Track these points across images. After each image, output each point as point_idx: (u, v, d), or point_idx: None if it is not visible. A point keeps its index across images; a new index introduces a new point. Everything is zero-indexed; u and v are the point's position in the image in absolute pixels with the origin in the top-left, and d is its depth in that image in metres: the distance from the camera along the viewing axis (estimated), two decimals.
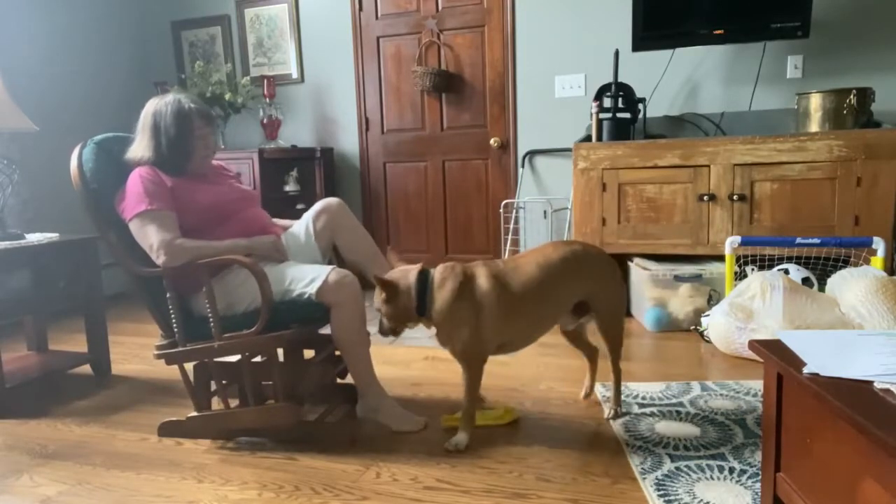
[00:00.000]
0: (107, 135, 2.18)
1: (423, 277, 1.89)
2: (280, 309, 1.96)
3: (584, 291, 1.99)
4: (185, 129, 2.05)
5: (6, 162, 2.78)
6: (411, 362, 2.80)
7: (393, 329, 1.96)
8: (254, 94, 4.24)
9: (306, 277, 1.99)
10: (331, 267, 2.01)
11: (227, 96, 4.14)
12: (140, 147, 2.08)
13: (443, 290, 1.87)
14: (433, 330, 1.94)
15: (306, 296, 1.97)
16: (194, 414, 2.10)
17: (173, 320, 1.99)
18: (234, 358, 2.02)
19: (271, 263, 2.06)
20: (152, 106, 2.09)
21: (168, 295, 1.97)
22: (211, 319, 1.95)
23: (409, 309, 1.90)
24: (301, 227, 2.23)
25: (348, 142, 4.38)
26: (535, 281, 1.89)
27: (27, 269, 2.61)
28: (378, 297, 1.91)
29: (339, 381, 2.36)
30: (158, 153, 2.06)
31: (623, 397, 2.29)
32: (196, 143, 2.09)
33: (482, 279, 1.87)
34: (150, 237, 1.94)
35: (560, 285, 1.92)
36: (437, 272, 1.90)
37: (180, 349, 2.01)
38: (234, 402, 2.18)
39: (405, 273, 1.92)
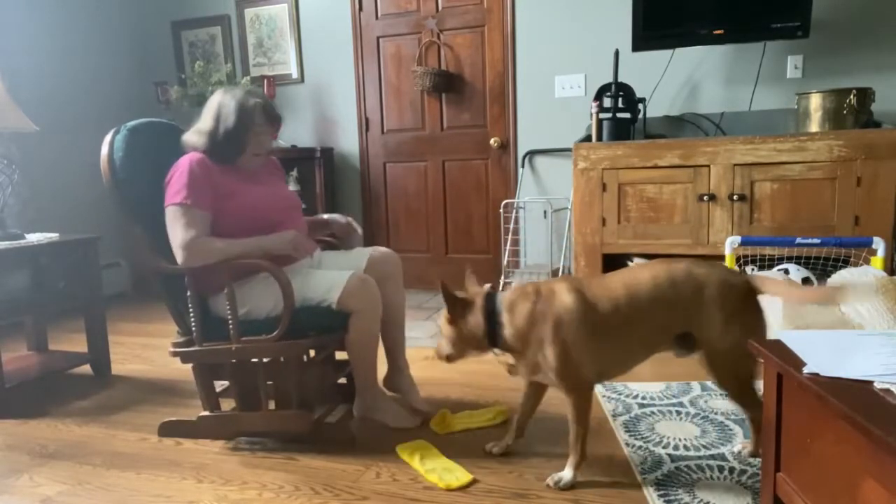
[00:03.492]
0: (140, 120, 2.16)
1: (491, 300, 1.70)
2: (299, 315, 1.94)
3: (684, 321, 1.63)
4: (245, 122, 2.04)
5: (6, 162, 2.78)
6: (411, 362, 2.78)
7: (451, 356, 1.78)
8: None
9: (327, 285, 1.97)
10: (350, 272, 1.99)
11: None
12: (198, 131, 2.07)
13: (514, 313, 1.67)
14: (519, 363, 1.74)
15: (326, 303, 1.96)
16: (206, 414, 2.10)
17: (192, 319, 1.99)
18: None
19: (294, 268, 2.04)
20: (219, 94, 2.10)
21: (188, 293, 1.96)
22: (230, 321, 1.94)
23: (475, 335, 1.71)
24: (352, 259, 2.21)
25: (348, 142, 4.38)
26: (624, 300, 1.63)
27: (27, 269, 2.62)
28: (443, 316, 1.75)
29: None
30: (213, 140, 2.04)
31: (623, 397, 2.29)
32: (251, 140, 2.07)
33: (563, 295, 1.64)
34: (177, 232, 1.93)
35: (650, 311, 1.63)
36: (507, 294, 1.71)
37: (197, 349, 2.01)
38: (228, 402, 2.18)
39: (476, 295, 1.74)
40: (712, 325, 1.61)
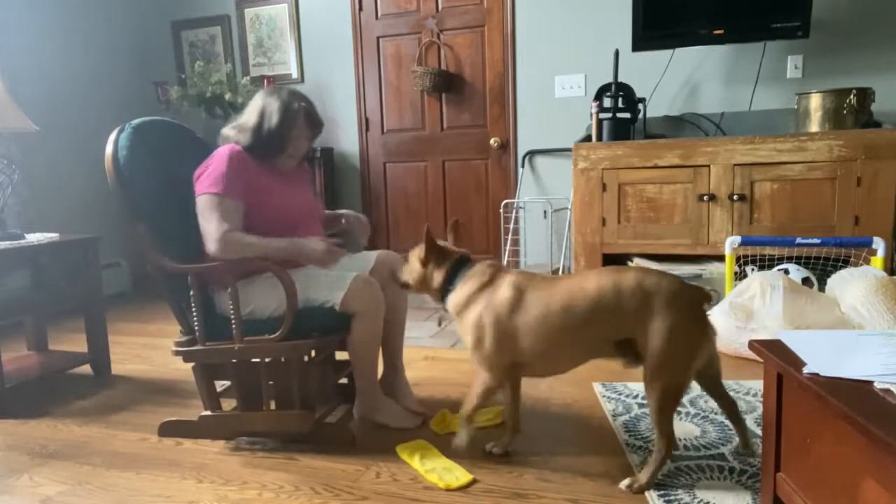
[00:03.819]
0: (144, 119, 2.15)
1: (460, 264, 1.83)
2: (302, 316, 1.94)
3: (626, 329, 1.64)
4: (287, 125, 2.05)
5: (6, 162, 2.78)
6: (411, 362, 2.79)
7: (409, 286, 1.91)
8: (254, 94, 4.22)
9: (331, 286, 1.97)
10: (354, 274, 2.00)
11: (227, 96, 4.14)
12: (240, 127, 2.08)
13: (465, 285, 1.78)
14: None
15: (329, 304, 1.96)
16: (207, 413, 2.09)
17: (194, 318, 1.99)
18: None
19: (299, 269, 2.04)
20: (264, 94, 2.10)
21: (191, 293, 1.96)
22: (233, 321, 1.94)
23: (432, 286, 1.84)
24: (360, 262, 2.22)
25: (348, 142, 4.38)
26: (559, 305, 1.66)
27: (27, 269, 2.61)
28: (418, 254, 1.86)
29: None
30: (257, 136, 2.04)
31: (623, 397, 2.29)
32: (291, 142, 2.08)
33: (504, 288, 1.73)
34: (212, 224, 1.93)
35: (588, 320, 1.64)
36: (475, 267, 1.82)
37: (199, 348, 2.01)
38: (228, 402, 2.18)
39: (452, 254, 1.85)
40: (654, 333, 1.59)
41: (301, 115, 2.07)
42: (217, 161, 1.99)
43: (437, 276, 1.83)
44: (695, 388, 2.34)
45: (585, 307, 1.64)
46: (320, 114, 2.18)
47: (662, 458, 1.66)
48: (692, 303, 1.61)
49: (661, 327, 1.59)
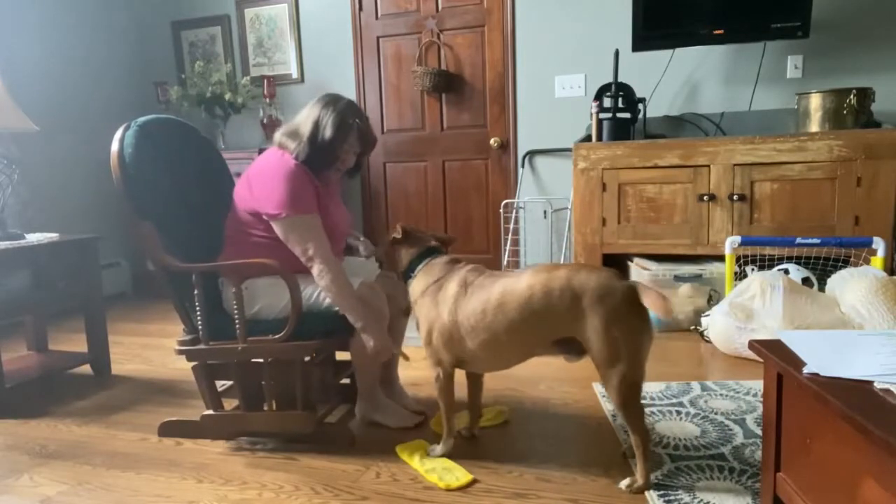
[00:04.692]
0: (150, 116, 2.13)
1: (421, 257, 1.89)
2: (306, 318, 1.94)
3: (561, 329, 1.65)
4: (340, 138, 2.01)
5: (6, 162, 2.77)
6: (411, 362, 2.79)
7: (378, 257, 2.08)
8: (254, 94, 4.24)
9: None
10: (359, 279, 2.00)
11: (227, 96, 4.14)
12: (296, 135, 2.03)
13: (423, 277, 1.85)
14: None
15: (334, 308, 1.95)
16: (209, 413, 2.09)
17: (198, 317, 1.99)
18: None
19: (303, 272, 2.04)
20: (322, 104, 2.04)
21: (196, 292, 1.96)
22: (237, 321, 1.94)
23: (398, 265, 1.94)
24: (367, 266, 2.24)
25: None
26: (493, 304, 1.69)
27: (27, 269, 2.62)
28: (389, 233, 1.95)
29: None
30: (312, 146, 2.00)
31: None
32: (341, 156, 2.06)
33: (451, 284, 1.79)
34: (310, 243, 1.92)
35: (519, 319, 1.66)
36: (436, 260, 1.87)
37: (203, 347, 2.00)
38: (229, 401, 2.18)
39: (421, 242, 1.92)
40: (592, 332, 1.59)
41: (355, 130, 2.04)
42: (288, 178, 1.95)
43: (402, 261, 1.92)
44: (694, 388, 2.35)
45: (515, 307, 1.66)
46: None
47: (644, 452, 1.65)
48: (626, 298, 1.58)
49: (597, 326, 1.58)
